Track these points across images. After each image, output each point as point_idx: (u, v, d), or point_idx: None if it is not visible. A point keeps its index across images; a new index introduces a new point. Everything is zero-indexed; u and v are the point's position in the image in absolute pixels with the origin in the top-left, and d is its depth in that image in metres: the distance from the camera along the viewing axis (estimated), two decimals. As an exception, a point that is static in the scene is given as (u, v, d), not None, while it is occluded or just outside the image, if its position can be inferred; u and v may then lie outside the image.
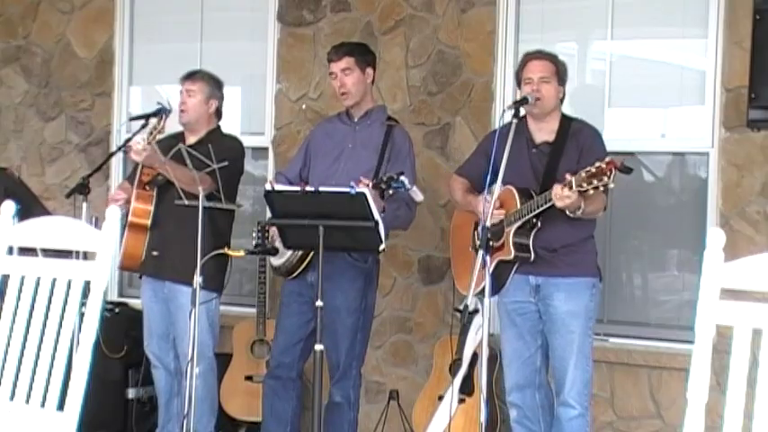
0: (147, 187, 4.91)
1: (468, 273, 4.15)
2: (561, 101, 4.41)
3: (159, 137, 4.87)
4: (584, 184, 3.89)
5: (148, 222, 4.90)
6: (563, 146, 4.28)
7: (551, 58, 4.37)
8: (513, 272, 4.26)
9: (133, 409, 5.57)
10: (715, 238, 2.39)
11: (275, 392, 4.76)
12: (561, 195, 3.95)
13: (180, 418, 4.72)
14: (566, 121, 4.37)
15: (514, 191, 4.21)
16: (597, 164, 3.88)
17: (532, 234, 4.20)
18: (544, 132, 4.34)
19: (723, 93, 4.90)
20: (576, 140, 4.28)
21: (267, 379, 4.83)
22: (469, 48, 5.50)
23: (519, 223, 4.17)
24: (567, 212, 4.06)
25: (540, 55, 4.39)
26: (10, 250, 3.09)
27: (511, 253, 4.18)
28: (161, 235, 4.89)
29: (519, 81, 4.41)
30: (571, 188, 3.92)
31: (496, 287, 4.27)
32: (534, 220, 4.16)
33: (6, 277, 2.99)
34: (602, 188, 3.89)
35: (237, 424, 5.56)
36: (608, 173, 3.85)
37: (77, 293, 2.84)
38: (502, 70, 5.44)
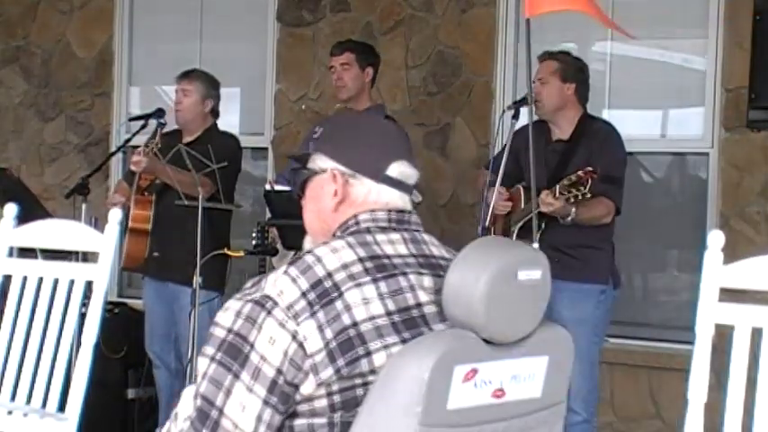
0: (146, 192, 4.91)
1: None
2: (584, 98, 4.37)
3: (158, 146, 4.87)
4: (566, 192, 3.90)
5: (149, 227, 4.90)
6: (577, 144, 4.25)
7: (554, 57, 4.35)
8: None
9: (133, 409, 5.56)
10: (715, 239, 2.40)
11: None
12: (545, 201, 3.95)
13: (180, 418, 4.72)
14: (586, 119, 4.35)
15: (521, 190, 4.20)
16: (579, 172, 3.89)
17: (538, 235, 4.18)
18: (562, 131, 4.33)
19: (723, 93, 4.90)
20: (591, 140, 4.24)
21: None
22: (469, 48, 5.50)
23: (521, 224, 4.17)
24: (559, 219, 4.06)
25: (543, 56, 4.38)
26: (11, 252, 3.09)
27: None
28: (161, 236, 4.89)
29: None
30: (555, 195, 3.93)
31: None
32: (538, 221, 4.16)
33: (8, 278, 2.99)
34: (580, 197, 3.89)
35: (237, 424, 5.55)
36: (585, 182, 3.85)
37: (79, 294, 2.85)
38: (502, 70, 5.44)
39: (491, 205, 4.07)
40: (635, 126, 5.31)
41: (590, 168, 3.87)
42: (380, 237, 1.97)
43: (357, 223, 1.99)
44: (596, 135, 4.28)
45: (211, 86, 5.03)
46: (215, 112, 5.06)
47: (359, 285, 1.88)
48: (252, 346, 1.84)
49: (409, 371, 1.78)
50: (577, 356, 4.29)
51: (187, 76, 5.03)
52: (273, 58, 6.05)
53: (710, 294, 2.39)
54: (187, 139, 4.95)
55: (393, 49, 5.65)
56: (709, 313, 2.38)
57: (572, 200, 3.91)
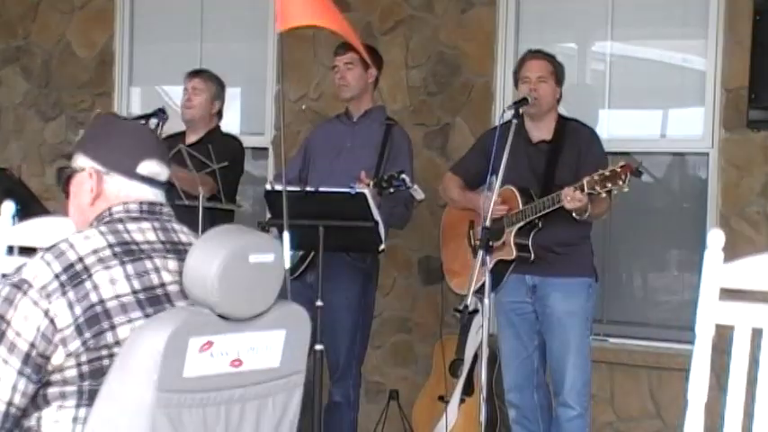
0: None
1: (461, 271, 4.17)
2: (558, 101, 4.41)
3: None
4: (597, 187, 3.91)
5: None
6: (561, 145, 4.28)
7: (549, 58, 4.38)
8: (509, 271, 4.27)
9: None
10: (715, 238, 2.40)
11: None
12: (573, 197, 3.96)
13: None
14: (563, 120, 4.38)
15: (516, 191, 4.21)
16: (611, 168, 3.90)
17: (531, 234, 4.20)
18: (541, 131, 4.35)
19: (723, 93, 4.90)
20: (574, 140, 4.28)
21: None
22: (469, 48, 5.50)
23: (521, 224, 4.17)
24: (575, 215, 4.06)
25: (538, 55, 4.39)
26: (10, 250, 3.09)
27: (513, 253, 4.19)
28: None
29: (516, 80, 4.42)
30: (582, 191, 3.94)
31: (492, 286, 4.27)
32: (536, 221, 4.17)
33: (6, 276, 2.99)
34: (615, 191, 3.90)
35: (237, 424, 5.56)
36: (623, 176, 3.87)
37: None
38: (502, 70, 5.44)
39: (490, 206, 4.07)
40: (635, 126, 5.32)
41: (623, 163, 3.90)
42: (131, 225, 2.24)
43: (110, 214, 2.26)
44: (579, 135, 4.33)
45: (220, 88, 5.11)
46: (219, 114, 5.11)
47: (107, 268, 2.13)
48: (8, 323, 2.09)
49: (147, 342, 2.01)
50: (574, 350, 4.36)
51: (199, 74, 5.09)
52: (274, 58, 6.05)
53: (711, 294, 2.39)
54: (191, 139, 4.97)
55: (393, 49, 5.65)
56: (710, 313, 2.38)
57: (603, 194, 3.93)
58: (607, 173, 3.90)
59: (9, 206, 3.08)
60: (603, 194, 3.93)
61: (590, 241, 4.36)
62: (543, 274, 4.25)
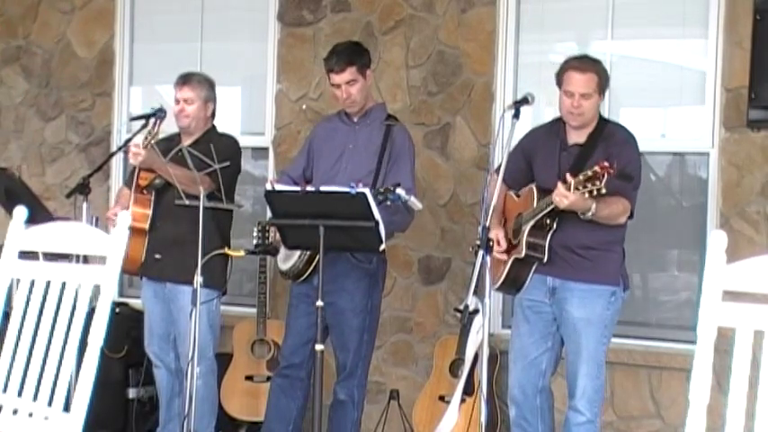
0: (145, 191, 4.90)
1: (493, 266, 4.14)
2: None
3: (157, 138, 4.88)
4: (581, 187, 3.88)
5: (146, 226, 4.90)
6: (593, 148, 4.20)
7: (595, 70, 4.23)
8: (531, 272, 4.24)
9: (133, 408, 5.57)
10: (717, 240, 2.39)
11: (282, 390, 4.77)
12: (559, 193, 3.94)
13: (181, 418, 4.73)
14: (601, 123, 4.31)
15: (535, 190, 4.19)
16: (595, 167, 3.86)
17: (549, 235, 4.17)
18: (579, 135, 4.27)
19: (723, 93, 4.91)
20: (607, 144, 4.21)
21: (276, 377, 4.84)
22: (469, 48, 5.50)
23: (532, 222, 4.15)
24: (579, 214, 4.04)
25: (584, 66, 4.23)
26: (19, 254, 3.08)
27: (522, 252, 4.17)
28: (162, 237, 4.89)
29: (559, 83, 4.26)
30: (569, 189, 3.91)
31: (516, 286, 4.26)
32: (548, 221, 4.14)
33: (16, 281, 2.99)
34: (595, 192, 3.86)
35: (238, 424, 5.56)
36: (601, 177, 3.83)
37: (86, 298, 2.84)
38: (502, 70, 5.44)
39: (491, 204, 4.07)
40: (635, 126, 5.28)
41: (606, 163, 3.85)
42: None
43: None
44: (613, 138, 4.23)
45: (211, 89, 5.04)
46: (213, 114, 5.07)
47: None
48: None
49: None
50: (586, 357, 4.33)
51: (187, 82, 4.99)
52: (274, 57, 6.05)
53: (713, 296, 2.38)
54: (187, 141, 4.95)
55: (393, 49, 5.66)
56: (712, 315, 2.37)
57: (587, 195, 3.89)
58: (590, 173, 3.86)
59: (22, 211, 3.07)
60: (587, 194, 3.89)
61: (620, 248, 4.29)
62: (563, 277, 4.22)
